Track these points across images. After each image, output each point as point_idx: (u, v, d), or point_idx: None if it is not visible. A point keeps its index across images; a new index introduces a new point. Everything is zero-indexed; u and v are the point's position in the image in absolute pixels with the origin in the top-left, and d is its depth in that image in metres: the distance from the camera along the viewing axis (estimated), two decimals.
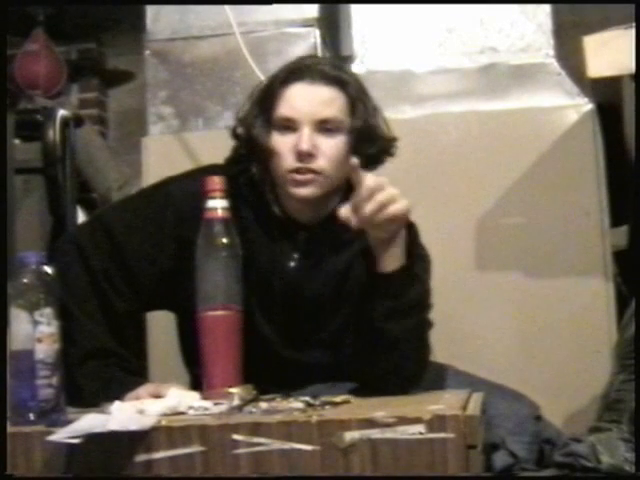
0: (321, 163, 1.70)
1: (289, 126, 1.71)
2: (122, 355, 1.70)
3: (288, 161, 1.70)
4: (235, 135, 1.81)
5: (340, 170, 1.71)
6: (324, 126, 1.70)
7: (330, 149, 1.70)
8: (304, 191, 1.70)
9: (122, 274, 1.73)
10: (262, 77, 2.26)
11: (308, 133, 1.69)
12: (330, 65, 1.79)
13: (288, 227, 1.76)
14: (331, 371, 1.73)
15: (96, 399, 1.51)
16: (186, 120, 2.57)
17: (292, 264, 1.76)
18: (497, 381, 1.85)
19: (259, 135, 1.73)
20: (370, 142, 1.74)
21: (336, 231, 1.73)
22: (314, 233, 1.76)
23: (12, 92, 3.44)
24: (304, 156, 1.68)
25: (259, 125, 1.73)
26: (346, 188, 1.72)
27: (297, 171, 1.70)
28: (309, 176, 1.69)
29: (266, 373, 1.60)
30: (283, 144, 1.71)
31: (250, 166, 1.78)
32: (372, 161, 1.75)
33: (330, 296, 1.77)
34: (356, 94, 1.74)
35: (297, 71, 1.74)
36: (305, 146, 1.68)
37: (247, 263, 1.63)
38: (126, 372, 1.68)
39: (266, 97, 1.75)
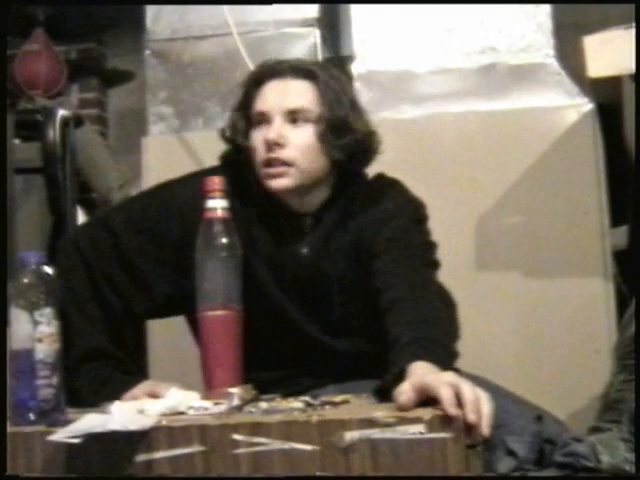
0: (291, 153, 1.70)
1: (263, 120, 1.73)
2: (119, 357, 1.70)
3: (261, 154, 1.72)
4: (224, 139, 1.82)
5: (313, 160, 1.72)
6: (293, 116, 1.72)
7: (299, 138, 1.71)
8: (277, 183, 1.71)
9: (127, 276, 1.73)
10: None
11: (277, 124, 1.71)
12: (301, 61, 1.83)
13: (293, 216, 1.76)
14: (362, 359, 1.71)
15: (92, 400, 1.52)
16: (186, 120, 2.57)
17: (304, 250, 1.75)
18: (497, 381, 1.85)
19: (238, 135, 1.75)
20: (340, 133, 1.73)
21: (337, 212, 1.75)
22: (318, 217, 1.77)
23: (12, 92, 3.44)
24: (272, 146, 1.70)
25: (240, 126, 1.76)
26: (335, 180, 1.76)
27: (269, 164, 1.71)
28: (281, 169, 1.70)
29: (303, 363, 1.67)
30: (257, 138, 1.73)
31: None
32: (347, 155, 1.74)
33: (347, 271, 1.75)
34: (326, 86, 1.75)
35: (269, 70, 1.77)
36: (272, 134, 1.70)
37: (258, 259, 1.68)
38: (122, 373, 1.68)
39: (243, 98, 1.78)
